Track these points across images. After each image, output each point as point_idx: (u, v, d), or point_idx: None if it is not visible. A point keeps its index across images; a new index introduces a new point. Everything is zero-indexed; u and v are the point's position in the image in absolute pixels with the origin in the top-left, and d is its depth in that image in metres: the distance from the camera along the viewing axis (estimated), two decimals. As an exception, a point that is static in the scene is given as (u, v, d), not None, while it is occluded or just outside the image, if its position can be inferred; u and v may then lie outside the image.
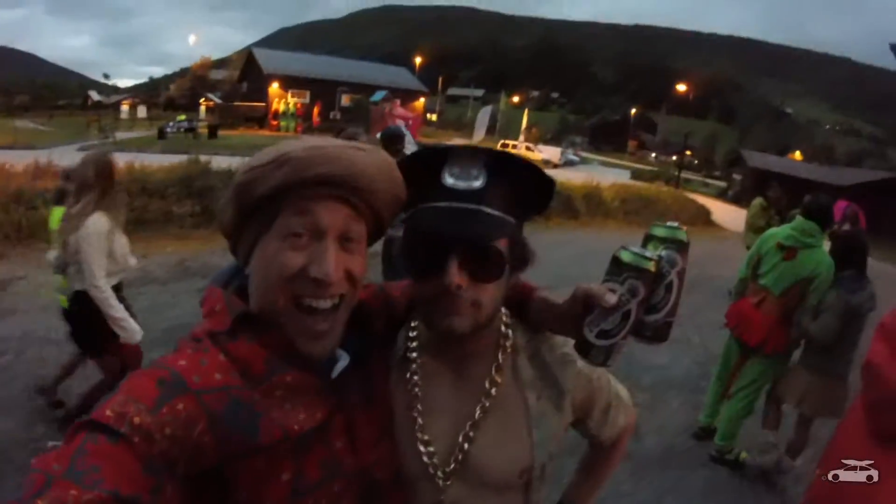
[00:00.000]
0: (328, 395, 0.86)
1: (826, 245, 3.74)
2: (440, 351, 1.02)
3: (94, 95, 62.65)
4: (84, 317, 3.27)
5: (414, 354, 1.03)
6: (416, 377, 1.01)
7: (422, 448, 0.97)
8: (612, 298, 0.82)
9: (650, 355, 5.45)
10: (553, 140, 78.72)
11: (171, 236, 8.69)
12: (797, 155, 76.94)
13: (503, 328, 1.04)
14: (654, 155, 78.75)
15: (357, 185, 0.83)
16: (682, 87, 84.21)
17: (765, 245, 3.88)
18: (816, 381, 3.53)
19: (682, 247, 0.87)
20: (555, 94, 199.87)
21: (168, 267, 7.09)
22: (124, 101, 52.98)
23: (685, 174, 37.24)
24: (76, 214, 3.12)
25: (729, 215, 19.85)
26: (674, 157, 63.48)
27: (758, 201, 8.13)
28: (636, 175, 35.85)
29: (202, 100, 49.62)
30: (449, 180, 0.90)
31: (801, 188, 4.02)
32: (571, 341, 0.94)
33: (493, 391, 0.99)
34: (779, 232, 3.87)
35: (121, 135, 30.86)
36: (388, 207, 0.91)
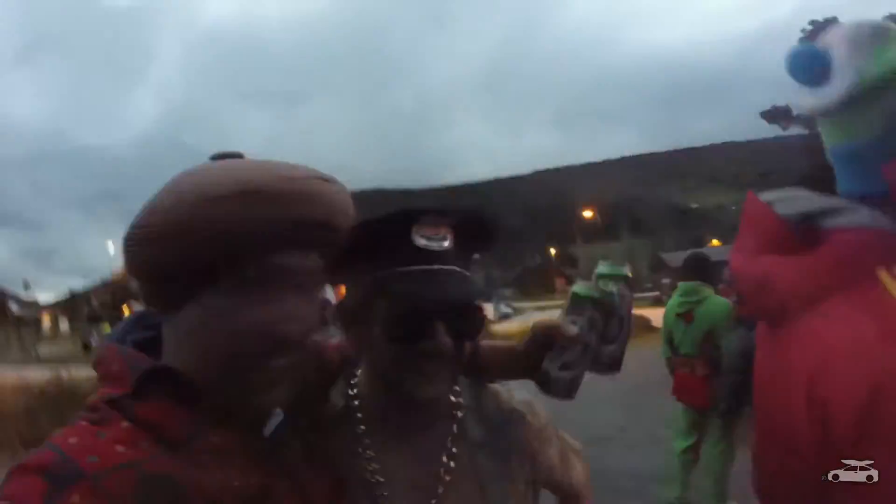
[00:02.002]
0: (264, 457, 0.74)
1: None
2: (392, 418, 0.97)
3: (14, 308, 60.36)
4: None
5: (360, 415, 0.98)
6: (367, 440, 0.96)
7: None
8: (573, 329, 0.89)
9: (622, 459, 5.46)
10: (482, 298, 79.87)
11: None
12: (714, 242, 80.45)
13: (452, 397, 1.01)
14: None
15: (331, 228, 0.74)
16: (588, 214, 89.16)
17: (668, 320, 4.25)
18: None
19: (627, 281, 0.98)
20: (475, 256, 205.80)
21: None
22: (46, 314, 51.10)
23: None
24: None
25: (666, 318, 20.33)
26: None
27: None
28: (570, 309, 36.29)
29: (125, 305, 48.49)
30: (421, 241, 0.87)
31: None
32: (519, 397, 1.04)
33: (452, 464, 0.96)
34: (672, 304, 4.26)
35: (44, 350, 29.43)
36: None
